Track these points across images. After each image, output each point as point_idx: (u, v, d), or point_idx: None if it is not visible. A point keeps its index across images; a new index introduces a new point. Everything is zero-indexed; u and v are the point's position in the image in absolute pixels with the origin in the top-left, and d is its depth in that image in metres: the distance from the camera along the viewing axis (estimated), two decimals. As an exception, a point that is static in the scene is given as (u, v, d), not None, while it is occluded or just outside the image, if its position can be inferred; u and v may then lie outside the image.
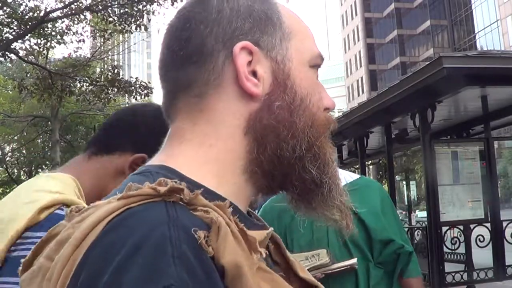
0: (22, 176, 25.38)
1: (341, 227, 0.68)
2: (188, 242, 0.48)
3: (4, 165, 24.22)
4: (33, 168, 24.68)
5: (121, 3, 12.24)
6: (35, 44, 13.39)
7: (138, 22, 12.35)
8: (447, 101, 5.35)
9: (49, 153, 22.38)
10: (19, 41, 12.48)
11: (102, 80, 13.61)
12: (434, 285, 5.10)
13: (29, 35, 12.37)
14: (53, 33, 13.49)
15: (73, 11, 12.33)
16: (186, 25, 0.63)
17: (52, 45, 13.70)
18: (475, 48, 45.18)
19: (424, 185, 5.95)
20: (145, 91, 13.24)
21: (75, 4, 12.19)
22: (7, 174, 24.22)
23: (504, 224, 5.72)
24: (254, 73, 0.62)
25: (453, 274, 5.32)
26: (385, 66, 62.28)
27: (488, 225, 5.71)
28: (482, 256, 6.02)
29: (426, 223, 5.77)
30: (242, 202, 0.62)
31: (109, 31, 13.30)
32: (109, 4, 12.24)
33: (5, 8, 11.44)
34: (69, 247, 0.51)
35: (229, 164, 0.61)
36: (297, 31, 0.66)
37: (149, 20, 13.54)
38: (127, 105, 7.26)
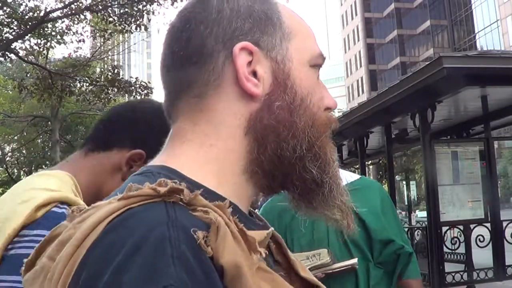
0: (22, 176, 25.32)
1: (342, 227, 0.68)
2: (187, 242, 0.48)
3: (4, 165, 24.22)
4: (33, 168, 24.63)
5: (121, 3, 12.25)
6: (35, 44, 13.41)
7: (138, 22, 12.36)
8: (447, 101, 5.35)
9: (49, 153, 22.38)
10: (19, 41, 12.50)
11: (102, 80, 13.63)
12: (434, 285, 5.10)
13: (29, 35, 12.38)
14: (53, 33, 13.50)
15: (73, 11, 12.33)
16: (186, 25, 0.63)
17: (52, 45, 13.72)
18: (475, 48, 45.17)
19: (424, 185, 5.95)
20: (145, 91, 13.28)
21: (75, 4, 12.20)
22: (7, 174, 24.22)
23: (504, 224, 5.71)
24: (254, 73, 0.62)
25: (453, 274, 5.31)
26: (385, 66, 62.27)
27: (488, 225, 5.70)
28: (482, 256, 6.02)
29: (426, 223, 5.76)
30: (243, 202, 0.62)
31: (109, 31, 13.32)
32: (109, 4, 12.25)
33: (5, 8, 11.44)
34: (70, 247, 0.51)
35: (229, 164, 0.61)
36: (298, 31, 0.66)
37: (149, 20, 13.55)
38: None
